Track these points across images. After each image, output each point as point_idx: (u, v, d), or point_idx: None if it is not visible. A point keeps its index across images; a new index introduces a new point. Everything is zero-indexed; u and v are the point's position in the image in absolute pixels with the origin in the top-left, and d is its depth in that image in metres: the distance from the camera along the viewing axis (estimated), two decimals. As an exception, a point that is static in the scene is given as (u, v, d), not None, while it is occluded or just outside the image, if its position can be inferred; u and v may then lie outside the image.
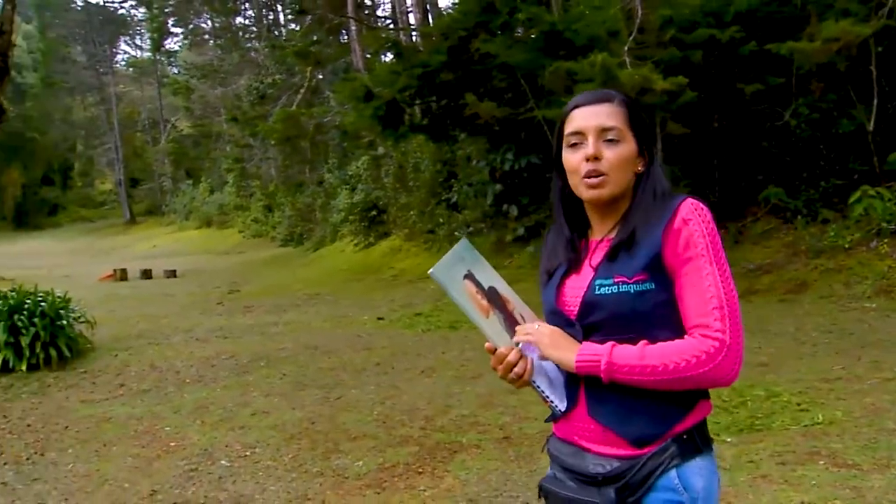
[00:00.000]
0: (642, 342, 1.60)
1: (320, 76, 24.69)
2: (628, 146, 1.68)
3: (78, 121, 52.50)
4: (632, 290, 1.62)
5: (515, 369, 1.71)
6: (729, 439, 4.70)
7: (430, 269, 1.70)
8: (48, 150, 48.94)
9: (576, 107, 1.74)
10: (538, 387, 1.73)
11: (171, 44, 51.37)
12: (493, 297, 1.76)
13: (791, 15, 9.46)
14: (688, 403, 1.65)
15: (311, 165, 25.55)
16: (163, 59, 52.34)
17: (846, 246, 9.07)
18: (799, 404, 5.24)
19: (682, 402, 1.64)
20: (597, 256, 1.73)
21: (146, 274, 20.91)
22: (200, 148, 42.56)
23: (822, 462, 4.18)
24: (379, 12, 28.54)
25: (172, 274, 21.00)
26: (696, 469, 1.64)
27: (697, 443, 1.66)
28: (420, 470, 4.72)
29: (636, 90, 8.57)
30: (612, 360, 1.58)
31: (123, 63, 56.68)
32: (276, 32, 34.78)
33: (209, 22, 43.16)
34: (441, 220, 14.96)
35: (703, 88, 9.35)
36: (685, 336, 1.60)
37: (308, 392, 6.80)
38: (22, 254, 30.21)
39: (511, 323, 1.75)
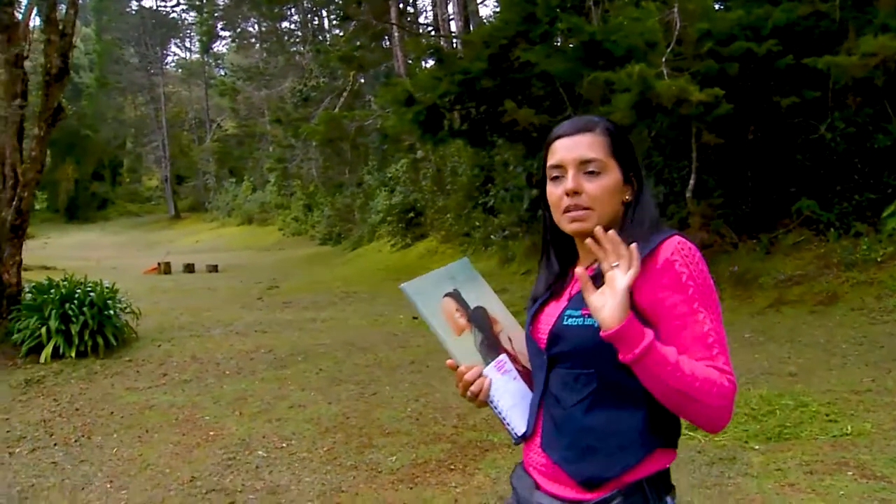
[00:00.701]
0: (673, 346, 1.49)
1: (362, 80, 25.07)
2: (611, 177, 1.63)
3: (128, 119, 53.68)
4: (595, 325, 1.52)
5: (472, 387, 1.66)
6: (757, 447, 4.78)
7: (402, 285, 1.68)
8: (100, 147, 50.05)
9: (557, 137, 1.69)
10: (496, 407, 1.69)
11: (219, 46, 52.35)
12: (476, 317, 1.76)
13: (829, 29, 9.47)
14: (646, 450, 1.56)
15: (350, 167, 25.88)
16: (210, 61, 53.34)
17: (878, 259, 9.03)
18: (828, 415, 5.25)
19: (638, 447, 1.55)
20: (577, 286, 1.65)
21: (189, 268, 21.34)
22: (244, 147, 43.23)
23: (850, 473, 4.21)
24: (421, 19, 28.87)
25: (214, 269, 21.40)
26: None
27: (647, 496, 1.56)
28: (452, 467, 4.88)
29: (672, 101, 8.69)
30: (655, 343, 1.47)
31: (173, 65, 57.80)
32: (321, 37, 35.23)
33: (256, 26, 43.83)
34: (477, 224, 15.15)
35: (738, 100, 9.41)
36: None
37: (344, 387, 7.01)
38: (73, 245, 30.96)
39: (490, 344, 1.74)
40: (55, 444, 5.96)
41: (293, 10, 37.85)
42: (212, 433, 5.90)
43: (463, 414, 5.94)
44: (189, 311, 11.84)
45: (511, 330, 1.81)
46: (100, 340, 8.59)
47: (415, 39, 19.04)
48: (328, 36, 35.19)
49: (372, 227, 22.48)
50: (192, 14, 52.70)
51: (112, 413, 6.63)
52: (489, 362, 1.71)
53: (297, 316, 11.58)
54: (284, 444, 5.50)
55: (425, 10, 30.41)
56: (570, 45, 10.16)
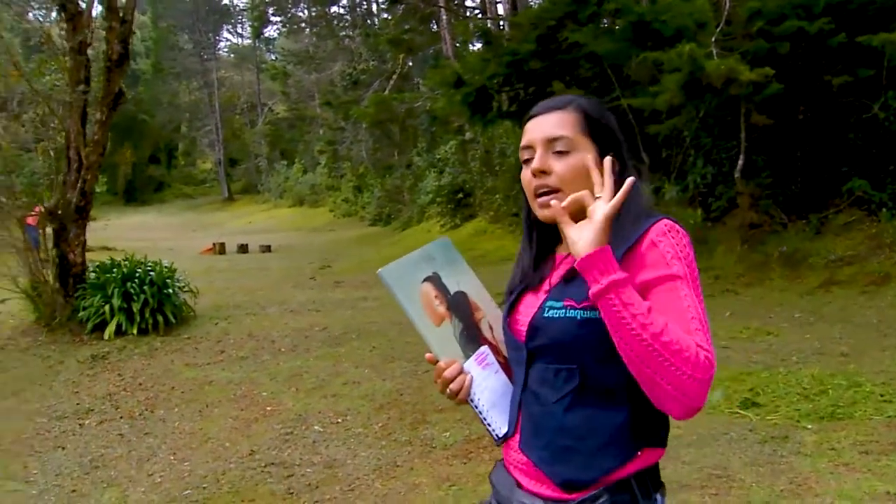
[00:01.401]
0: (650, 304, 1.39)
1: (410, 63, 25.16)
2: (582, 156, 1.51)
3: (183, 104, 54.46)
4: (578, 317, 1.46)
5: (451, 385, 1.57)
6: (809, 426, 4.79)
7: (380, 270, 1.57)
8: (156, 132, 51.01)
9: (529, 118, 1.61)
10: (476, 406, 1.60)
11: (270, 31, 52.73)
12: (456, 303, 1.65)
13: (883, 6, 9.30)
14: (628, 451, 1.47)
15: (400, 149, 26.05)
16: (261, 46, 53.89)
17: (932, 239, 8.94)
18: (882, 395, 5.23)
19: (620, 450, 1.47)
20: (557, 275, 1.59)
21: (243, 248, 21.69)
22: (295, 130, 43.64)
23: (907, 453, 4.17)
24: (468, 2, 28.81)
25: (267, 249, 21.71)
26: None
27: (636, 494, 1.47)
28: (506, 442, 5.00)
29: (722, 81, 8.65)
30: (627, 282, 1.37)
31: (225, 50, 58.51)
32: (370, 21, 35.37)
33: (305, 11, 44.11)
34: (525, 204, 15.14)
35: (789, 80, 9.31)
36: None
37: (397, 364, 7.14)
38: (131, 227, 31.64)
39: (471, 334, 1.64)
40: (121, 417, 6.23)
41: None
42: (269, 408, 6.11)
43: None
44: (244, 290, 12.10)
45: (493, 317, 1.71)
46: (160, 318, 8.86)
47: (463, 22, 19.06)
48: (376, 20, 35.32)
49: (421, 207, 22.64)
50: (244, 0, 53.43)
51: (173, 388, 6.89)
52: (469, 355, 1.61)
53: (348, 295, 11.75)
54: (340, 420, 5.66)
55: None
56: (619, 26, 10.11)
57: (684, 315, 1.39)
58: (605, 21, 11.60)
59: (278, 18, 47.09)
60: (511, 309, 1.65)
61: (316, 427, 5.58)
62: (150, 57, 51.16)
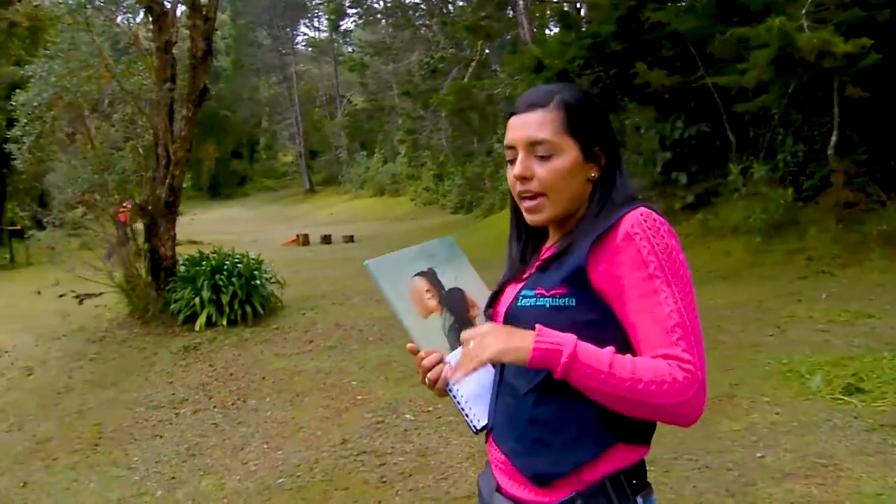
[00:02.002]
0: (610, 348, 1.35)
1: (487, 50, 25.01)
2: (566, 158, 1.48)
3: (263, 99, 55.51)
4: (547, 305, 1.44)
5: (430, 374, 1.56)
6: None
7: (367, 262, 1.60)
8: (237, 127, 52.14)
9: (512, 114, 1.56)
10: (454, 396, 1.59)
11: (346, 24, 53.21)
12: (451, 298, 1.67)
13: None
14: (601, 445, 1.42)
15: (479, 136, 25.98)
16: (338, 38, 54.45)
17: None
18: None
19: (592, 443, 1.42)
20: (535, 265, 1.57)
21: (326, 239, 21.95)
22: (374, 121, 44.04)
23: None
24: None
25: (350, 239, 21.93)
26: None
27: (610, 497, 1.42)
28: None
29: (814, 54, 8.33)
30: (576, 353, 1.33)
31: (303, 44, 59.29)
32: (445, 9, 35.31)
33: (381, 2, 44.38)
34: (609, 188, 14.93)
35: (888, 50, 8.91)
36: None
37: (485, 353, 7.12)
38: (216, 220, 32.39)
39: (463, 327, 1.61)
40: (214, 407, 6.38)
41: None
42: (359, 397, 6.16)
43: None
44: (329, 280, 12.22)
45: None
46: (248, 309, 9.03)
47: (541, 6, 18.85)
48: (451, 7, 35.25)
49: (503, 194, 22.47)
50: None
51: (264, 378, 7.01)
52: (457, 347, 1.58)
53: (434, 284, 11.68)
54: (430, 408, 5.66)
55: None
56: (702, 3, 9.81)
57: (663, 323, 1.34)
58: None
59: (354, 10, 47.51)
60: (493, 300, 1.65)
61: (407, 415, 5.59)
62: (230, 54, 52.22)
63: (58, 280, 9.69)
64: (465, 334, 1.46)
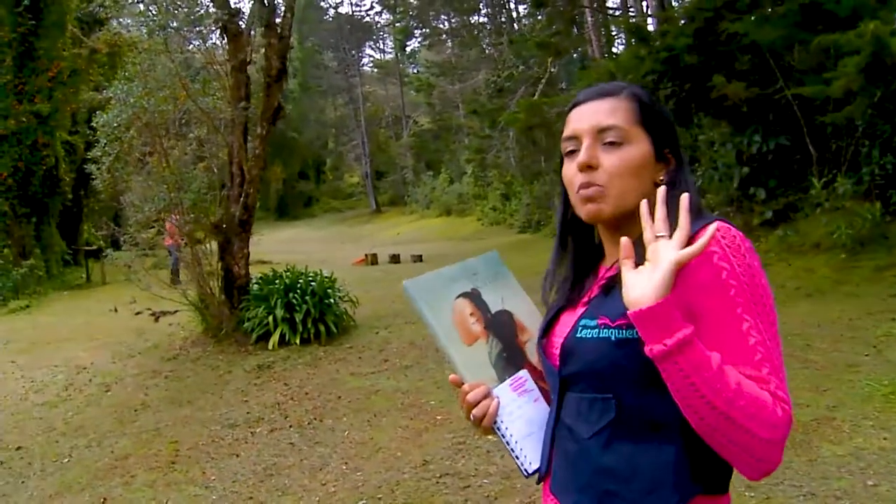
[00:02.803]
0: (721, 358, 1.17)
1: (554, 69, 24.88)
2: (636, 149, 1.33)
3: (329, 120, 56.40)
4: (612, 337, 1.26)
5: (475, 411, 1.39)
6: None
7: (405, 281, 1.44)
8: (304, 148, 52.93)
9: (574, 105, 1.43)
10: (503, 435, 1.42)
11: (411, 45, 53.85)
12: (498, 323, 1.49)
13: None
14: (680, 496, 1.23)
15: (546, 155, 25.77)
16: (404, 59, 55.09)
17: None
18: None
19: (672, 492, 1.23)
20: (595, 289, 1.40)
21: (394, 258, 21.92)
22: (440, 141, 44.18)
23: None
24: (609, 3, 28.30)
25: (419, 258, 21.86)
26: None
27: None
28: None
29: (910, 60, 8.00)
30: (695, 340, 1.14)
31: (370, 65, 60.15)
32: (512, 28, 35.37)
33: (446, 22, 44.71)
34: (685, 206, 14.63)
35: None
36: None
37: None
38: (283, 240, 32.74)
39: (512, 356, 1.47)
40: (290, 426, 6.31)
41: (482, 3, 38.26)
42: (439, 417, 6.02)
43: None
44: (401, 299, 11.99)
45: None
46: (322, 328, 9.00)
47: (614, 20, 18.69)
48: (516, 26, 35.29)
49: (572, 213, 22.30)
50: (385, 16, 54.87)
51: (339, 397, 6.92)
52: (505, 379, 1.44)
53: (506, 302, 11.53)
54: (512, 430, 5.49)
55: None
56: (783, 12, 9.50)
57: (750, 357, 1.17)
58: (761, 9, 11.02)
59: (419, 31, 48.03)
60: (547, 329, 1.46)
61: (489, 437, 5.41)
62: (297, 76, 53.10)
63: (134, 298, 9.80)
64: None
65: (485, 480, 4.64)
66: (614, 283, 1.28)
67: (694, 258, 1.17)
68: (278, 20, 8.92)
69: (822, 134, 11.51)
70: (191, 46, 9.91)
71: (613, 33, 26.20)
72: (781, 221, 12.02)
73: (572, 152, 1.39)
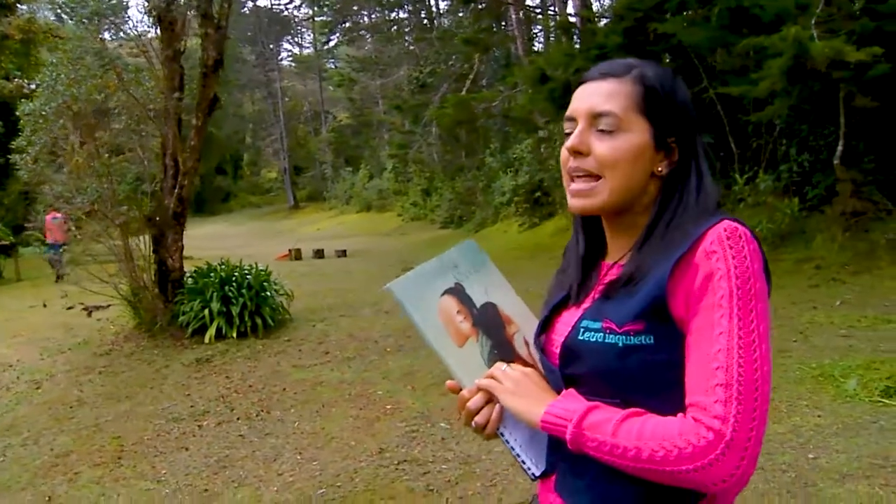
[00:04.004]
0: (629, 411, 1.18)
1: (482, 66, 25.13)
2: (632, 138, 1.26)
3: (247, 115, 55.54)
4: (619, 343, 1.22)
5: (476, 418, 1.36)
6: None
7: (389, 284, 1.37)
8: (222, 143, 51.95)
9: (581, 83, 1.36)
10: (507, 441, 1.40)
11: (332, 40, 53.38)
12: (484, 317, 1.44)
13: None
14: (685, 500, 1.20)
15: (468, 150, 26.00)
16: (324, 54, 54.62)
17: None
18: None
19: (677, 498, 1.20)
20: (600, 288, 1.35)
21: (318, 253, 21.75)
22: (359, 137, 44.04)
23: None
24: (528, 1, 28.70)
25: (343, 253, 21.74)
26: None
27: None
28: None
29: (826, 63, 8.37)
30: (581, 426, 1.19)
31: (289, 59, 59.44)
32: (430, 24, 35.53)
33: (366, 18, 44.57)
34: (609, 200, 14.95)
35: (894, 59, 8.99)
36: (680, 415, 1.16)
37: (507, 359, 7.05)
38: (203, 236, 32.04)
39: (503, 352, 1.43)
40: (238, 419, 6.25)
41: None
42: (388, 407, 6.05)
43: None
44: (333, 292, 12.07)
45: (529, 330, 1.48)
46: (258, 321, 8.90)
47: (545, 18, 18.95)
48: (436, 23, 35.45)
49: (496, 208, 22.55)
50: (304, 10, 54.30)
51: (284, 389, 6.88)
52: None
53: (438, 295, 11.60)
54: (465, 418, 5.56)
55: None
56: (715, 14, 9.82)
57: (707, 363, 1.13)
58: (689, 11, 11.38)
59: (340, 26, 47.72)
60: (546, 325, 1.42)
61: (442, 424, 5.49)
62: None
63: (65, 292, 9.50)
64: (493, 370, 1.35)
65: (443, 466, 4.70)
66: (618, 286, 1.27)
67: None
68: (216, 10, 8.76)
69: (744, 132, 11.97)
70: (117, 35, 9.66)
71: (535, 31, 26.56)
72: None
73: (569, 134, 1.32)
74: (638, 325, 1.20)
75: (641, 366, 1.20)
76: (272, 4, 55.40)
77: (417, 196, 31.63)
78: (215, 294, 8.84)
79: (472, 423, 1.36)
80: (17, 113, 9.04)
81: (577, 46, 13.05)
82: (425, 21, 37.83)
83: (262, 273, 9.41)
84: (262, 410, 6.38)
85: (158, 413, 6.55)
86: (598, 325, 1.26)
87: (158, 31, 8.98)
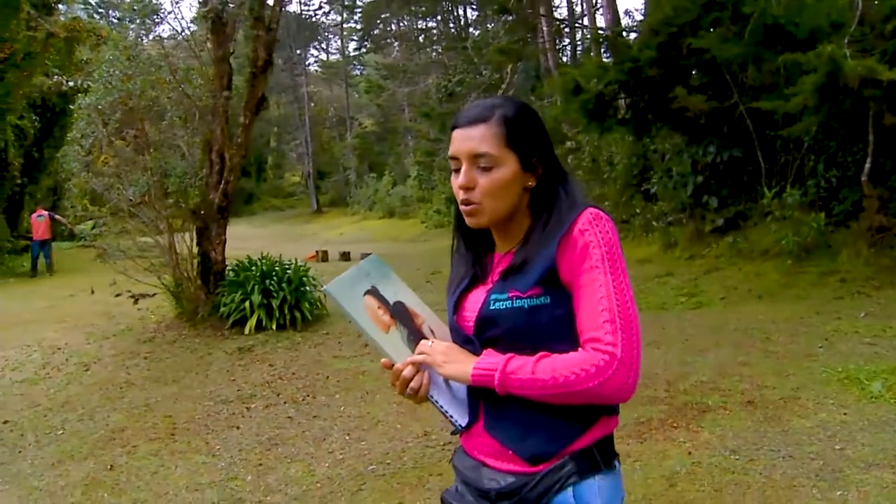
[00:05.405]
0: (539, 354, 1.55)
1: (514, 76, 25.37)
2: (505, 170, 1.62)
3: (273, 118, 55.88)
4: (525, 305, 1.59)
5: (412, 384, 1.68)
6: None
7: (325, 286, 1.69)
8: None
9: (454, 127, 1.68)
10: (436, 402, 1.72)
11: (356, 48, 53.87)
12: (398, 312, 1.77)
13: None
14: (587, 419, 1.61)
15: (495, 160, 26.08)
16: (351, 61, 55.02)
17: None
18: None
19: (582, 418, 1.60)
20: (499, 269, 1.70)
21: (344, 256, 21.93)
22: (384, 143, 44.32)
23: None
24: (557, 14, 28.97)
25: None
26: (594, 488, 1.60)
27: (598, 460, 1.61)
28: (675, 425, 5.08)
29: (857, 81, 8.56)
30: (505, 372, 1.55)
31: (317, 64, 59.88)
32: (458, 33, 35.80)
33: (394, 25, 44.94)
34: (637, 210, 15.15)
35: (926, 80, 9.16)
36: (579, 349, 1.54)
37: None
38: (227, 237, 32.50)
39: (416, 338, 1.74)
40: (285, 402, 6.51)
41: (438, 8, 38.66)
42: (431, 395, 6.27)
43: (671, 381, 6.11)
44: (364, 292, 12.29)
45: (432, 321, 1.82)
46: (297, 315, 9.16)
47: (577, 30, 19.22)
48: (464, 33, 35.75)
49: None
50: (333, 17, 54.83)
51: (328, 377, 7.14)
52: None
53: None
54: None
55: (557, 7, 30.52)
56: (749, 30, 10.02)
57: (595, 308, 1.52)
58: (723, 27, 11.59)
59: (369, 34, 48.09)
60: (457, 306, 1.76)
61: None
62: (241, 73, 52.66)
63: (114, 280, 9.81)
64: (421, 347, 1.69)
65: (489, 448, 4.93)
66: (512, 271, 1.63)
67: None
68: (266, 13, 9.09)
69: (772, 148, 12.17)
70: (163, 36, 9.97)
71: (564, 44, 26.85)
72: (731, 229, 12.64)
73: (455, 170, 1.67)
74: (537, 290, 1.58)
75: (545, 320, 1.58)
76: (301, 10, 55.97)
77: (441, 203, 31.79)
78: (256, 287, 9.13)
79: (408, 389, 1.69)
80: (73, 107, 9.38)
81: (610, 59, 13.24)
82: (454, 30, 38.20)
83: (301, 269, 9.68)
84: (308, 395, 6.64)
85: (206, 395, 6.83)
86: (504, 295, 1.62)
87: (207, 32, 9.29)
